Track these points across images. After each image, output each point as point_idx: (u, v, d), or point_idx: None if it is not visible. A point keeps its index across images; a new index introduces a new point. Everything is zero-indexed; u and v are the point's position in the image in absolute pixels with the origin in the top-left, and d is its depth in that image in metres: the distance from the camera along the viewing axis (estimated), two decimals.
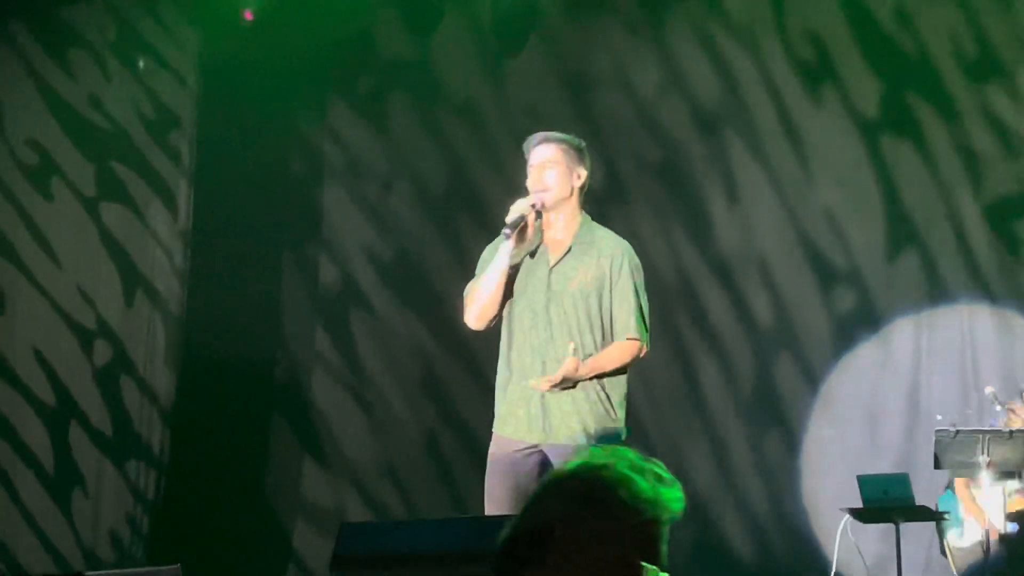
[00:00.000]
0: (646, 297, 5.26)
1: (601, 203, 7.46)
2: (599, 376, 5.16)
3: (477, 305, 5.28)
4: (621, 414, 5.21)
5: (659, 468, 2.20)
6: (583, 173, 5.27)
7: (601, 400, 5.17)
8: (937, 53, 6.91)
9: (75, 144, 7.90)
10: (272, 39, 7.63)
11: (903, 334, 6.95)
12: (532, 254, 5.24)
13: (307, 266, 7.91)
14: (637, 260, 5.30)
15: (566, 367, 5.05)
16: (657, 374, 7.28)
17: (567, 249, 5.25)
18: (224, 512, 7.36)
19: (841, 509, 6.20)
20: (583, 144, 5.34)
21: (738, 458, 7.18)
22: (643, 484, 2.20)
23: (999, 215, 6.79)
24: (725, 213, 7.31)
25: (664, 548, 2.15)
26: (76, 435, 8.05)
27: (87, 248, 7.95)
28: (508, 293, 5.25)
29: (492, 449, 5.24)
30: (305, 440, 7.83)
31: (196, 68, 7.98)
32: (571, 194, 5.26)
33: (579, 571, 2.13)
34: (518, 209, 5.13)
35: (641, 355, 5.24)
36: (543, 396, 5.13)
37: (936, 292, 6.88)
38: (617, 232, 7.45)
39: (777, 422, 7.28)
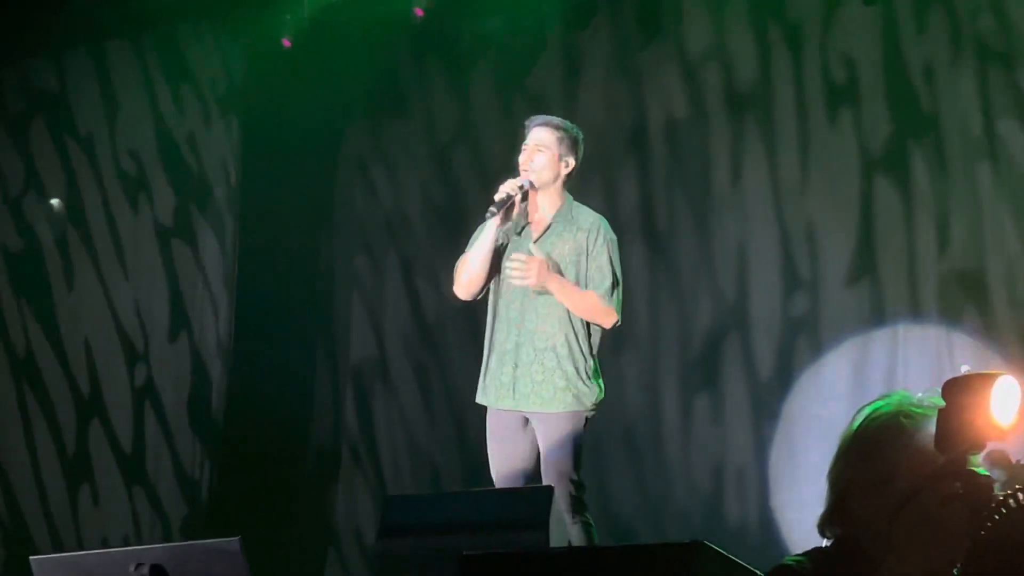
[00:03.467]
0: (620, 270, 5.70)
1: (620, 147, 7.92)
2: (575, 345, 5.56)
3: (465, 278, 5.75)
4: (595, 382, 5.60)
5: (932, 397, 2.37)
6: (571, 162, 5.75)
7: (577, 370, 5.56)
8: (946, 119, 7.41)
9: (165, 169, 8.16)
10: (309, 65, 8.18)
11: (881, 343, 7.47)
12: (519, 233, 5.62)
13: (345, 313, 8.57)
14: (613, 234, 5.74)
15: (540, 260, 5.46)
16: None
17: (547, 227, 5.63)
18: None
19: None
20: (580, 135, 5.76)
21: (672, 420, 7.85)
22: (914, 412, 2.38)
23: (953, 282, 7.34)
24: (726, 189, 7.88)
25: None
26: (95, 433, 8.25)
27: (151, 271, 8.20)
28: (495, 270, 5.60)
29: (488, 423, 5.68)
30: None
31: (242, 97, 8.41)
32: (556, 179, 5.65)
33: (882, 518, 2.35)
34: (506, 189, 5.55)
35: (611, 323, 5.66)
36: (516, 365, 5.51)
37: (876, 324, 7.47)
38: (627, 178, 7.75)
39: (709, 384, 7.75)
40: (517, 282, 5.49)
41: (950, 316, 7.29)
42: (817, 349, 7.54)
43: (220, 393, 8.35)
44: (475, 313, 7.87)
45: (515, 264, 5.47)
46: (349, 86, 8.49)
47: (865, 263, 7.51)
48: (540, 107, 7.48)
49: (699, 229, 7.88)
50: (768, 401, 7.63)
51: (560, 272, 5.56)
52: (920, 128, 7.48)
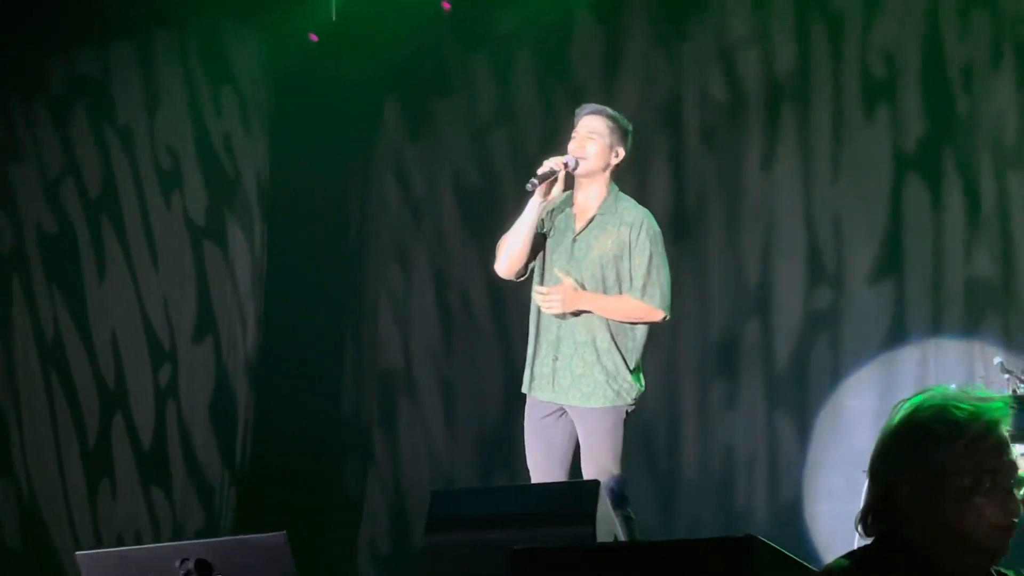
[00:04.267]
0: (666, 264, 5.66)
1: (652, 128, 7.90)
2: (616, 340, 5.50)
3: (506, 256, 5.73)
4: (638, 379, 5.57)
5: (976, 391, 2.37)
6: (621, 152, 5.74)
7: (617, 365, 5.52)
8: (983, 124, 7.43)
9: (200, 168, 8.18)
10: (335, 58, 8.21)
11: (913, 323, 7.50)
12: (562, 223, 5.60)
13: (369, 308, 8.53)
14: (656, 228, 5.73)
15: (562, 287, 5.41)
16: None
17: (591, 219, 5.62)
18: None
19: (864, 472, 6.47)
20: (630, 126, 5.76)
21: (690, 405, 7.86)
22: (962, 406, 2.35)
23: (978, 287, 7.37)
24: (756, 176, 7.88)
25: (1009, 456, 2.31)
26: (118, 427, 8.27)
27: (181, 270, 8.23)
28: (539, 247, 5.59)
29: (526, 411, 5.65)
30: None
31: (269, 91, 8.39)
32: (605, 168, 5.64)
33: (932, 513, 2.34)
34: (550, 164, 5.54)
35: (658, 320, 5.61)
36: (556, 358, 5.51)
37: (896, 324, 7.50)
38: (658, 159, 7.72)
39: (727, 373, 7.79)
40: (547, 310, 5.49)
41: (974, 320, 7.31)
42: (837, 343, 7.57)
43: (245, 398, 8.33)
44: (505, 326, 7.92)
45: (540, 297, 5.47)
46: (378, 81, 8.46)
47: (891, 261, 7.53)
48: (578, 94, 7.47)
49: (727, 214, 7.90)
50: (786, 392, 7.66)
51: (602, 273, 5.54)
52: (954, 130, 7.49)
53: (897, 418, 2.38)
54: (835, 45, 7.72)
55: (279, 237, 8.50)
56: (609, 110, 5.74)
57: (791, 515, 7.47)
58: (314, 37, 8.25)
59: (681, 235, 7.87)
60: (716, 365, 7.82)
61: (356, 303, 8.58)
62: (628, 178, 7.39)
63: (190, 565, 4.11)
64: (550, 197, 5.60)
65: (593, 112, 5.70)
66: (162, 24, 8.26)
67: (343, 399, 8.53)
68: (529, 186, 5.51)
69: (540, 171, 5.53)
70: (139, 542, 7.98)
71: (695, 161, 7.97)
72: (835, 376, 7.54)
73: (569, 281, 5.47)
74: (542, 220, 5.66)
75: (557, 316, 5.51)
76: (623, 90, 8.00)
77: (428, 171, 8.46)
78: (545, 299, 5.45)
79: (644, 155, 7.90)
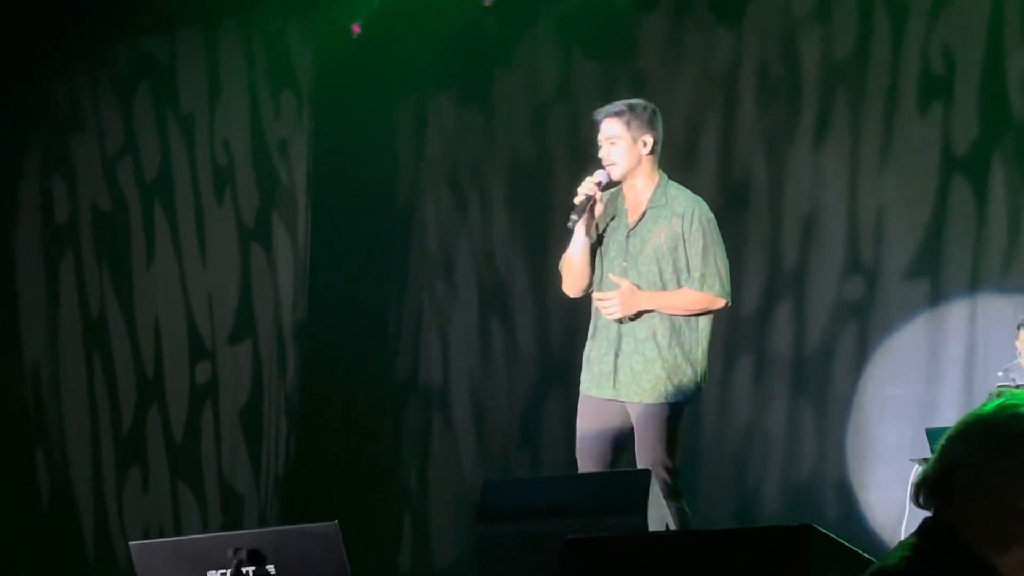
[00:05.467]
0: (722, 249, 5.62)
1: (708, 96, 7.96)
2: (677, 335, 5.49)
3: (569, 279, 5.72)
4: (698, 372, 5.53)
5: None
6: (649, 139, 5.65)
7: (678, 361, 5.49)
8: None
9: (253, 167, 8.19)
10: (378, 51, 8.23)
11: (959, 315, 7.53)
12: (614, 219, 5.56)
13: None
14: (710, 215, 5.69)
15: (621, 291, 5.39)
16: None
17: (643, 212, 5.60)
18: None
19: (911, 460, 6.50)
20: (650, 106, 5.69)
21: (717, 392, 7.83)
22: None
23: (1013, 298, 7.36)
24: (804, 157, 7.89)
25: None
26: (153, 418, 8.28)
27: (228, 268, 8.24)
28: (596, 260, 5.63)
29: (580, 404, 5.63)
30: None
31: (312, 89, 8.40)
32: (639, 162, 5.57)
33: (980, 513, 2.20)
34: (583, 191, 5.52)
35: (720, 307, 5.61)
36: (617, 354, 5.49)
37: (927, 322, 7.52)
38: (710, 127, 7.65)
39: (753, 350, 7.85)
40: (608, 317, 5.47)
41: (1003, 333, 7.26)
42: (864, 334, 7.60)
43: (281, 403, 8.33)
44: (544, 349, 7.89)
45: (601, 304, 5.45)
46: (422, 80, 8.42)
47: (928, 260, 7.55)
48: (638, 77, 7.37)
49: (770, 195, 7.92)
50: (809, 378, 7.70)
51: (659, 267, 5.50)
52: (1007, 137, 7.49)
53: (993, 406, 2.23)
54: (897, 36, 7.71)
55: (322, 240, 8.50)
56: (621, 105, 5.63)
57: (803, 499, 7.51)
58: (356, 28, 8.23)
59: (723, 212, 7.83)
60: (742, 345, 7.83)
61: (398, 311, 8.59)
62: (676, 154, 7.42)
63: (243, 555, 4.12)
64: (597, 213, 5.58)
65: (605, 116, 5.63)
66: (228, 13, 8.30)
67: (381, 404, 8.56)
68: (570, 224, 5.48)
69: (576, 200, 5.50)
70: (162, 535, 8.03)
71: (744, 140, 7.99)
72: (859, 366, 7.56)
73: (626, 283, 5.43)
74: (595, 223, 5.65)
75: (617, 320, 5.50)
76: (678, 67, 8.03)
77: (472, 170, 8.47)
78: (604, 305, 5.42)
79: (694, 131, 7.92)
